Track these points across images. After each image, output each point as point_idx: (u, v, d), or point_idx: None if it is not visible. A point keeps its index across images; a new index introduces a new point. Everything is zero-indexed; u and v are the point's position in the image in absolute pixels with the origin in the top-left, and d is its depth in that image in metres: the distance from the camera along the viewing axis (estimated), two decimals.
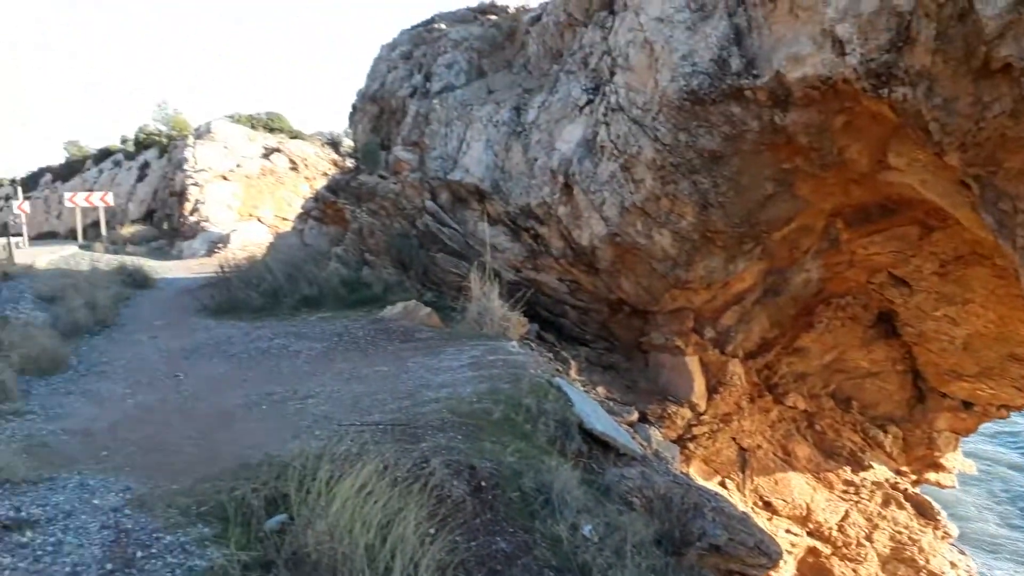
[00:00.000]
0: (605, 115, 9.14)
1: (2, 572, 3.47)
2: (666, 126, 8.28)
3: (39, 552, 3.68)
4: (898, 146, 7.02)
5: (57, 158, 43.53)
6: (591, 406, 6.22)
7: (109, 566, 3.60)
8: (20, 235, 26.70)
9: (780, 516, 11.27)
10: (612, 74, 9.08)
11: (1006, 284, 8.38)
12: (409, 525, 3.58)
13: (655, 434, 8.42)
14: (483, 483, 4.17)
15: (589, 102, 9.74)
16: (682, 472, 7.90)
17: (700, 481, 8.89)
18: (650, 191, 8.82)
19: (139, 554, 3.73)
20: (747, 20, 7.37)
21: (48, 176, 41.46)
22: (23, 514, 4.11)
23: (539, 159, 10.36)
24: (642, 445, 6.76)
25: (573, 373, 8.65)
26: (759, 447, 11.24)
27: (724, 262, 9.24)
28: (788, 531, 11.28)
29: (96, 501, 4.35)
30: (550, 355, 9.05)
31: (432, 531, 3.67)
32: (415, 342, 8.56)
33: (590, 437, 5.32)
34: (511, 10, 14.16)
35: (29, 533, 3.88)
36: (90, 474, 4.84)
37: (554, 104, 10.45)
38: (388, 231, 12.61)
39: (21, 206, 31.44)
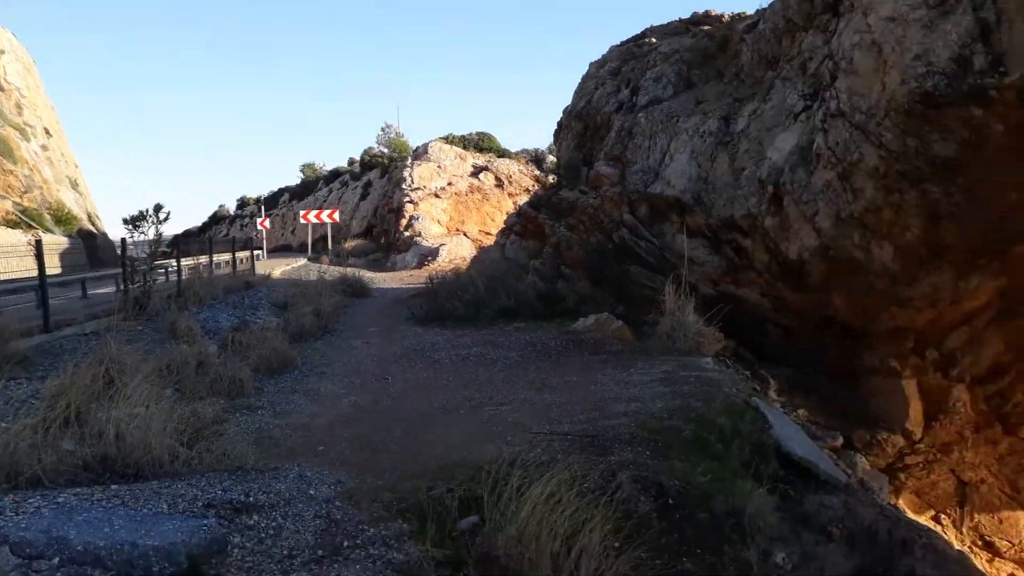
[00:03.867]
0: (823, 121, 8.59)
1: (232, 550, 3.85)
2: (893, 132, 7.61)
3: (262, 535, 4.04)
4: None
5: (295, 179, 48.98)
6: (791, 429, 5.84)
7: (320, 552, 3.88)
8: (260, 248, 30.34)
9: (1003, 558, 9.88)
10: (833, 79, 8.52)
11: None
12: (595, 537, 3.54)
13: (862, 462, 7.77)
14: (670, 501, 4.05)
15: (806, 108, 9.22)
16: (890, 504, 7.18)
17: (910, 514, 8.02)
18: (871, 201, 8.15)
19: (346, 543, 3.99)
20: (995, 14, 6.61)
21: (286, 195, 46.70)
22: (251, 499, 4.56)
23: (747, 169, 9.96)
24: (846, 473, 6.24)
25: (772, 394, 8.20)
26: (983, 481, 9.94)
27: (954, 279, 8.29)
28: (1012, 575, 9.85)
29: (312, 492, 4.74)
30: (747, 374, 8.65)
31: (617, 545, 3.61)
32: (605, 354, 8.56)
33: (788, 462, 4.98)
34: (725, 19, 13.81)
35: (256, 516, 4.28)
36: (308, 466, 5.30)
37: (766, 112, 10.01)
38: (585, 245, 12.75)
39: (263, 222, 35.76)
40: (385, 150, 39.02)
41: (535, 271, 13.20)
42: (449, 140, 35.13)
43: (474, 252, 23.33)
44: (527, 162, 34.81)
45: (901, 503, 9.14)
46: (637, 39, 15.16)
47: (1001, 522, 10.01)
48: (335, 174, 43.37)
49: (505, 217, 21.01)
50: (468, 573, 3.62)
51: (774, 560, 3.64)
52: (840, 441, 7.87)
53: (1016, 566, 10.07)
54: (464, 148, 34.72)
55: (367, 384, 8.37)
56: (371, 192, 36.98)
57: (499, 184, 32.63)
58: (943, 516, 9.86)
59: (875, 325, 9.16)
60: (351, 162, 43.68)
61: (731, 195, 10.16)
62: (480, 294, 12.71)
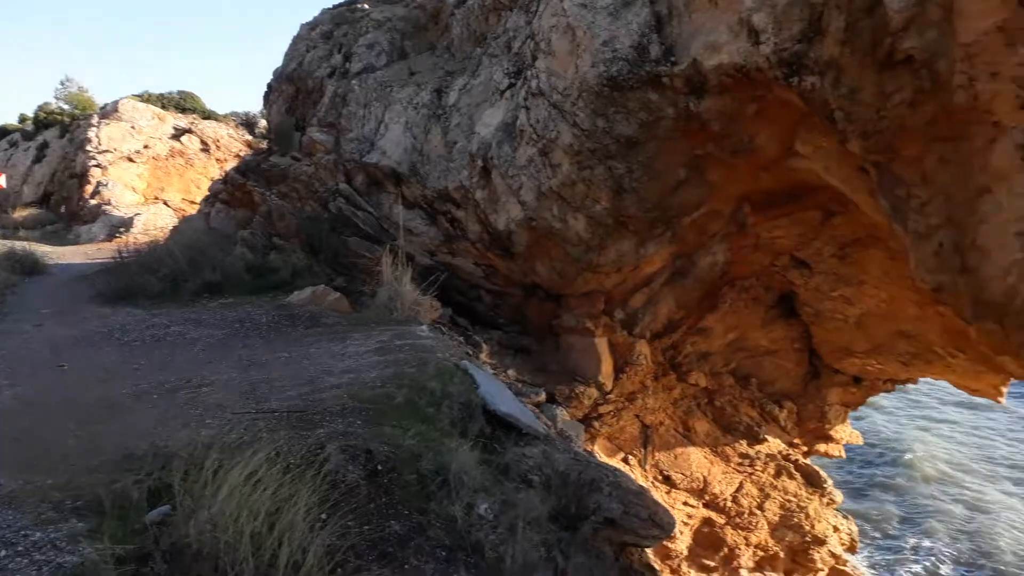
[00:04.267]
0: (526, 99, 9.06)
1: None
2: (585, 111, 8.26)
3: None
4: (805, 134, 7.22)
5: None
6: (497, 388, 6.15)
7: None
8: None
9: (678, 489, 11.65)
10: (534, 59, 9.00)
11: (897, 265, 8.73)
12: (299, 512, 3.43)
13: (561, 414, 8.46)
14: (379, 467, 4.04)
15: (511, 86, 9.65)
16: (586, 450, 7.98)
17: (603, 458, 9.04)
18: (567, 176, 8.80)
19: (3, 553, 3.47)
20: (668, 8, 7.44)
21: None
22: None
23: (458, 142, 10.22)
24: (547, 425, 6.75)
25: (484, 356, 8.58)
26: (661, 424, 11.56)
27: (635, 246, 9.32)
28: (685, 503, 11.68)
29: None
30: (461, 339, 8.95)
31: (324, 517, 3.54)
32: (321, 328, 8.31)
33: (494, 418, 5.25)
34: None
35: None
36: None
37: (476, 87, 10.32)
38: (299, 214, 12.23)
39: None
40: (66, 107, 33.91)
41: (244, 242, 12.37)
42: (145, 99, 31.52)
43: (176, 222, 21.32)
44: (238, 126, 32.57)
45: (596, 448, 10.20)
46: (350, 3, 14.83)
47: (676, 458, 11.69)
48: (2, 132, 36.70)
49: (211, 184, 19.44)
50: (154, 566, 3.29)
51: (477, 512, 3.80)
52: (543, 396, 8.48)
53: (688, 494, 11.83)
54: (163, 108, 31.39)
55: (37, 373, 7.22)
56: (48, 154, 31.92)
57: (205, 148, 30.12)
58: (630, 457, 11.22)
59: (571, 289, 10.02)
60: (23, 119, 37.29)
61: (445, 167, 10.39)
62: (181, 268, 11.59)
